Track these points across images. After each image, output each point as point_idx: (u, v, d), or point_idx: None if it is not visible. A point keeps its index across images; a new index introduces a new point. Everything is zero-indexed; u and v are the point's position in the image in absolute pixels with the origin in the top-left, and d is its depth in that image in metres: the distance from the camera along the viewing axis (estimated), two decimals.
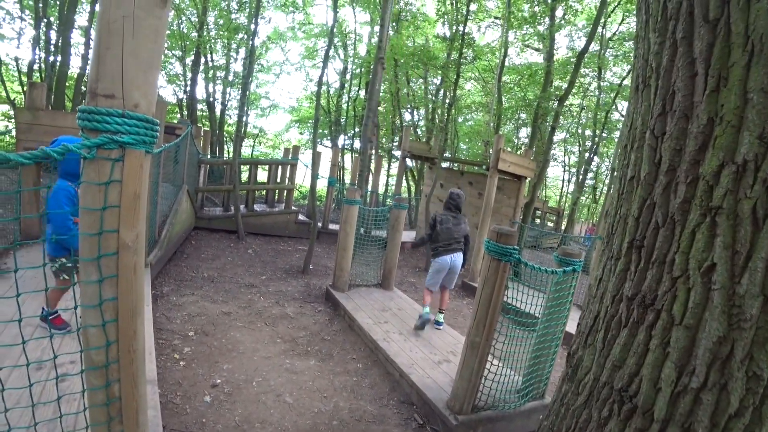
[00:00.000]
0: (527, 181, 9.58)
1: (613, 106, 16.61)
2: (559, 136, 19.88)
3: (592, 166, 19.37)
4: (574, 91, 13.55)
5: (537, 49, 16.29)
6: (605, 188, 24.29)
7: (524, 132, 20.23)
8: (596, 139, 16.84)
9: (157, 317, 4.10)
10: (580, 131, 19.24)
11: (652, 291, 1.58)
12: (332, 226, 10.09)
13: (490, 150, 8.86)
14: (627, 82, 15.57)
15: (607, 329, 1.75)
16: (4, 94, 12.13)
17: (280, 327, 4.35)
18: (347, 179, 17.24)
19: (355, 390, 3.42)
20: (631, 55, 14.49)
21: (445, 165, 11.56)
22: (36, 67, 11.37)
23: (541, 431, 2.12)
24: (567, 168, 24.36)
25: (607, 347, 1.74)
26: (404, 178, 15.40)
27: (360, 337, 4.36)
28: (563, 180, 25.06)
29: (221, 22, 13.74)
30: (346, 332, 4.49)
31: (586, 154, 18.54)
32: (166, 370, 3.20)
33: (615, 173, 2.15)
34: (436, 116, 16.93)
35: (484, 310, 2.88)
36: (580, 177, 19.45)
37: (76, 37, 12.05)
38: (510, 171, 8.40)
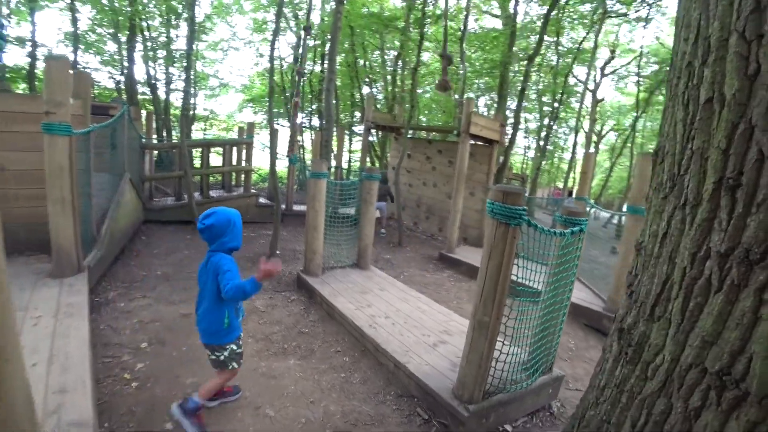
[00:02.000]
0: (498, 145, 9.27)
1: (571, 71, 16.51)
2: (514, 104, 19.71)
3: (553, 131, 19.41)
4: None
5: (496, 16, 15.89)
6: (567, 153, 24.72)
7: (483, 101, 19.85)
8: (555, 104, 16.77)
9: (100, 330, 3.44)
10: (539, 97, 19.15)
11: (759, 242, 1.16)
12: (297, 207, 9.47)
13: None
14: (586, 44, 15.50)
15: (688, 296, 1.34)
16: None
17: (249, 324, 3.79)
18: (308, 158, 16.42)
19: (346, 389, 2.95)
20: (587, 19, 14.36)
21: (410, 135, 11.07)
22: None
23: (587, 423, 1.72)
24: (527, 134, 24.48)
25: (689, 319, 1.33)
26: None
27: (342, 326, 3.89)
28: (524, 147, 25.22)
29: None
30: (326, 321, 4.00)
31: (546, 120, 18.54)
32: (114, 396, 2.60)
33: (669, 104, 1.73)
34: (396, 86, 16.29)
35: (492, 285, 2.46)
36: (541, 143, 19.54)
37: None
38: (482, 135, 8.02)
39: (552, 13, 9.72)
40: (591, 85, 17.84)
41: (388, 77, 16.76)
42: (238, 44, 18.02)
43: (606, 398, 1.61)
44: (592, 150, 20.16)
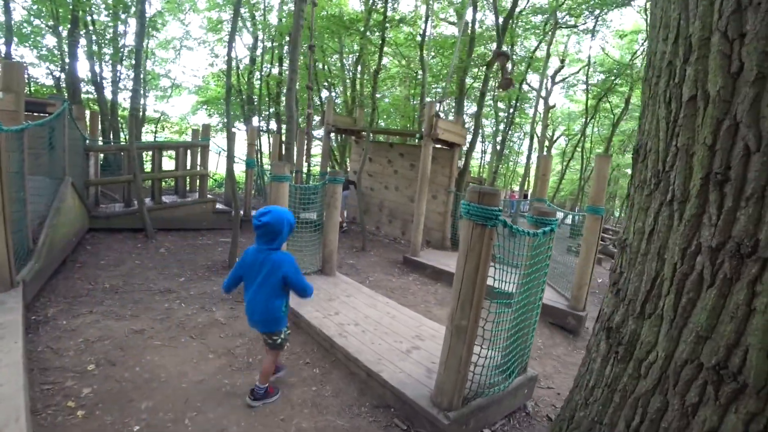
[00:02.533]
0: (459, 148, 9.39)
1: (524, 79, 17.13)
2: (473, 108, 20.19)
3: (508, 136, 20.03)
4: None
5: (452, 23, 16.22)
6: (522, 157, 25.59)
7: (439, 107, 20.20)
8: (511, 109, 17.33)
9: (38, 352, 3.08)
10: (494, 103, 19.73)
11: (750, 236, 1.16)
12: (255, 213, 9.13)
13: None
14: (538, 53, 16.11)
15: (679, 292, 1.32)
16: None
17: (210, 338, 3.55)
18: (266, 162, 15.96)
19: (318, 403, 2.80)
20: (539, 30, 14.94)
21: (372, 138, 11.01)
22: None
23: (577, 424, 1.69)
24: (483, 139, 25.14)
25: (682, 315, 1.31)
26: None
27: (310, 336, 3.72)
28: (481, 151, 25.87)
29: None
30: (292, 332, 3.82)
31: (501, 125, 19.11)
32: (56, 428, 2.31)
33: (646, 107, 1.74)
34: (356, 90, 16.22)
35: (469, 287, 2.40)
36: (497, 147, 20.11)
37: None
38: (444, 138, 8.09)
39: (509, 22, 10.02)
40: (543, 92, 18.59)
41: (348, 81, 16.67)
42: (192, 44, 17.33)
43: (596, 398, 1.58)
44: (545, 153, 21.00)
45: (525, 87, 18.11)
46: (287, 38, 14.85)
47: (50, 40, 13.03)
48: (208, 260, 6.03)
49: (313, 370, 3.20)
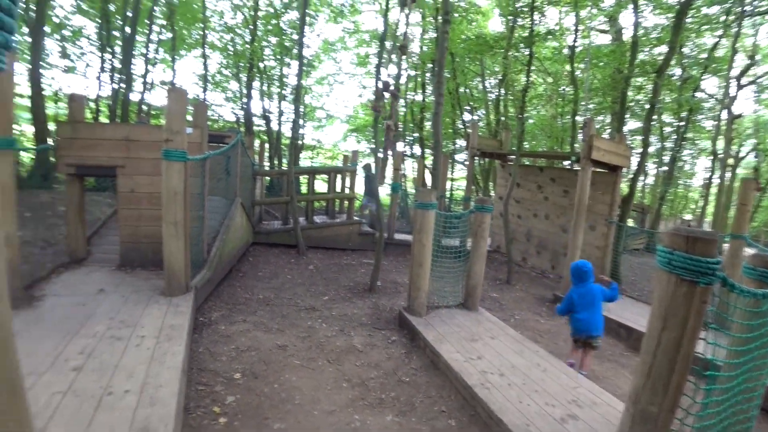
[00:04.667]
0: (623, 171, 8.05)
1: (698, 85, 14.14)
2: (631, 124, 17.34)
3: (678, 155, 16.68)
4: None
5: (603, 31, 14.51)
6: (694, 180, 21.30)
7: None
8: (681, 123, 14.46)
9: (199, 353, 3.37)
10: (659, 116, 16.70)
11: None
12: (398, 236, 9.19)
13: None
14: (719, 53, 13.24)
15: None
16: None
17: (346, 365, 3.45)
18: (409, 186, 16.33)
19: None
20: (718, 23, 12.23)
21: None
22: (102, 95, 11.90)
23: None
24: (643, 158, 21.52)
25: None
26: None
27: (448, 379, 3.34)
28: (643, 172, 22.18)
29: (270, 27, 13.55)
30: (429, 371, 3.49)
31: (668, 142, 16.08)
32: (201, 431, 2.40)
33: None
34: (500, 112, 15.60)
35: (665, 364, 1.76)
36: (663, 168, 16.96)
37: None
38: (604, 161, 7.01)
39: (683, 18, 8.35)
40: (725, 99, 15.10)
41: (490, 103, 16.18)
42: (343, 78, 19.05)
43: None
44: (750, 177, 16.89)
45: (699, 94, 14.86)
46: (429, 65, 15.23)
47: (233, 85, 16.11)
48: (350, 281, 6.16)
49: (448, 421, 2.81)
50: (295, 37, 13.41)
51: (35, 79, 8.85)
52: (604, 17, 13.20)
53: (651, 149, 19.12)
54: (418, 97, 17.05)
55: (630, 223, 18.21)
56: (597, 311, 3.66)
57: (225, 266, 5.50)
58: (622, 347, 4.87)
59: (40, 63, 9.36)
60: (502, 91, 15.49)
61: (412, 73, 17.02)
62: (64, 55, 12.32)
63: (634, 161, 9.61)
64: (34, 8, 9.16)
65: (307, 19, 10.13)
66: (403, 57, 4.79)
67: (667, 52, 8.38)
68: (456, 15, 14.05)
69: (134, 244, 4.62)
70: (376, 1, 16.74)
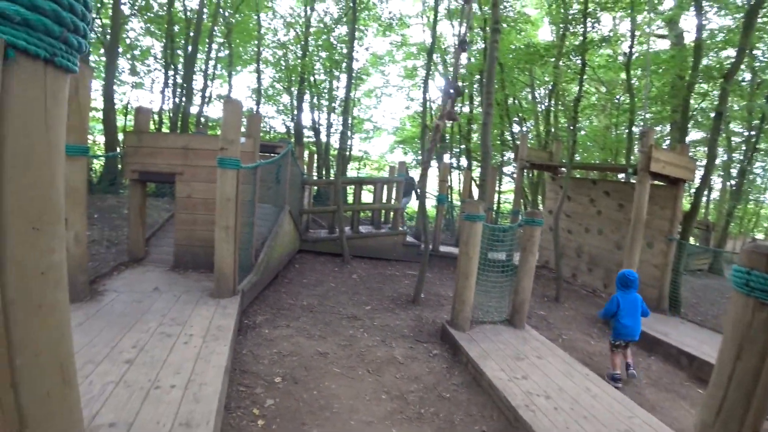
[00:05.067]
0: (685, 185, 7.48)
1: None
2: (694, 134, 16.02)
3: (751, 167, 15.23)
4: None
5: (661, 36, 13.70)
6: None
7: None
8: (752, 132, 13.24)
9: (243, 354, 3.45)
10: (726, 124, 15.37)
11: None
12: (443, 248, 9.07)
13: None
14: None
15: None
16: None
17: (386, 376, 3.40)
18: (455, 198, 16.13)
19: None
20: None
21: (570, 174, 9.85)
22: (165, 108, 12.81)
23: None
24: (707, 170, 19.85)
25: None
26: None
27: (491, 398, 3.20)
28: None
29: (321, 42, 14.05)
30: (471, 388, 3.36)
31: (736, 153, 14.74)
32: (240, 431, 2.44)
33: None
34: (550, 123, 15.11)
35: (740, 398, 1.57)
36: (731, 181, 15.54)
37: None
38: (664, 173, 6.54)
39: (756, 18, 7.68)
40: None
41: (540, 114, 15.74)
42: (390, 90, 19.31)
43: None
44: None
45: None
46: (477, 76, 15.07)
47: (285, 98, 16.86)
48: (394, 292, 6.12)
49: None
50: (345, 50, 13.80)
51: (108, 94, 9.66)
52: (663, 21, 12.52)
53: (717, 161, 17.68)
54: (466, 109, 16.92)
55: (692, 241, 16.85)
56: (638, 319, 4.04)
57: (272, 272, 5.64)
58: (683, 376, 4.47)
59: (113, 80, 10.22)
60: (553, 101, 15.06)
61: (460, 84, 16.98)
62: (134, 72, 13.46)
63: (698, 174, 8.91)
64: (109, 32, 10.06)
65: (356, 33, 10.42)
66: (463, 54, 4.69)
67: (736, 56, 7.76)
68: (505, 25, 13.91)
69: (188, 246, 4.85)
70: (423, 14, 16.91)
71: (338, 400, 2.94)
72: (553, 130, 14.37)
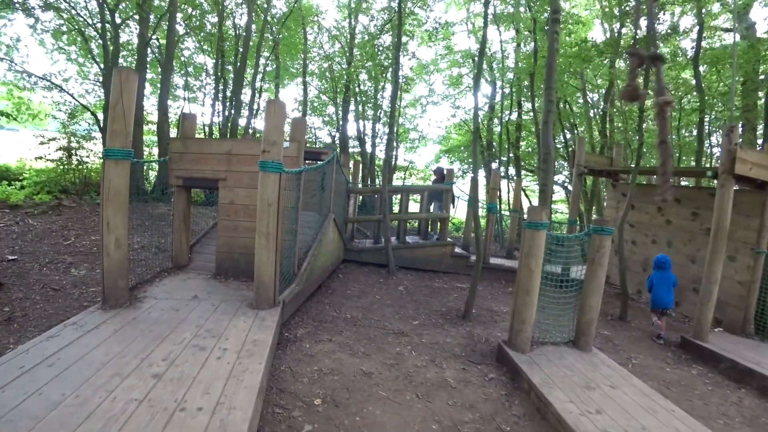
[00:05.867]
0: None
1: None
2: None
3: None
4: None
5: (727, 29, 12.48)
6: None
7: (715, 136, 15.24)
8: None
9: (281, 371, 3.20)
10: None
11: None
12: (493, 260, 8.54)
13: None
14: None
15: None
16: None
17: (436, 402, 3.01)
18: (503, 209, 15.46)
19: None
20: None
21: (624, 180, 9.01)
22: (216, 120, 13.26)
23: None
24: None
25: None
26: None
27: None
28: None
29: (365, 53, 14.06)
30: (535, 421, 2.90)
31: None
32: None
33: None
34: (606, 126, 14.13)
35: None
36: None
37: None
38: (751, 176, 5.73)
39: None
40: None
41: (594, 118, 14.82)
42: (436, 99, 19.04)
43: None
44: None
45: None
46: (526, 82, 14.45)
47: (330, 109, 17.18)
48: (442, 306, 5.73)
49: None
50: (390, 58, 13.70)
51: (163, 107, 10.10)
52: (729, 13, 11.40)
53: None
54: (513, 116, 16.33)
55: None
56: (671, 292, 5.36)
57: (315, 281, 5.42)
58: None
59: (168, 94, 10.68)
60: (608, 104, 14.12)
61: (506, 90, 16.41)
62: (187, 87, 14.07)
63: None
64: (165, 51, 10.59)
65: (402, 38, 10.27)
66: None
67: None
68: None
69: (229, 254, 4.73)
70: (468, 21, 16.57)
71: (383, 429, 2.59)
72: (608, 134, 13.44)
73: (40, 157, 9.18)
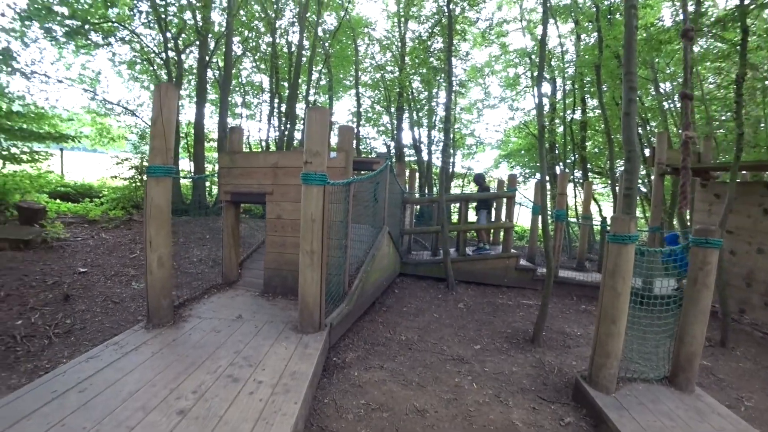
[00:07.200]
0: None
1: None
2: None
3: None
4: None
5: None
6: None
7: None
8: None
9: (324, 404, 2.88)
10: None
11: None
12: (562, 273, 7.76)
13: None
14: None
15: None
16: None
17: None
18: (570, 216, 14.31)
19: None
20: None
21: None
22: (272, 135, 13.60)
23: None
24: None
25: None
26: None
27: None
28: None
29: (417, 60, 13.78)
30: None
31: None
32: None
33: None
34: (689, 115, 12.55)
35: None
36: None
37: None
38: None
39: None
40: None
41: (670, 112, 13.29)
42: (492, 102, 18.25)
43: None
44: None
45: None
46: (588, 78, 13.30)
47: (384, 119, 16.93)
48: (507, 327, 5.16)
49: None
50: (442, 60, 13.29)
51: (223, 125, 10.47)
52: None
53: None
54: (576, 115, 15.18)
55: None
56: None
57: (368, 299, 5.10)
58: None
59: (227, 112, 11.11)
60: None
61: (568, 87, 15.31)
62: (246, 105, 14.64)
63: None
64: (223, 72, 11.06)
65: (454, 41, 9.86)
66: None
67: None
68: (618, 16, 12.21)
69: (277, 270, 4.55)
70: (521, 18, 15.73)
71: None
72: (714, 118, 11.98)
73: (116, 176, 9.88)
